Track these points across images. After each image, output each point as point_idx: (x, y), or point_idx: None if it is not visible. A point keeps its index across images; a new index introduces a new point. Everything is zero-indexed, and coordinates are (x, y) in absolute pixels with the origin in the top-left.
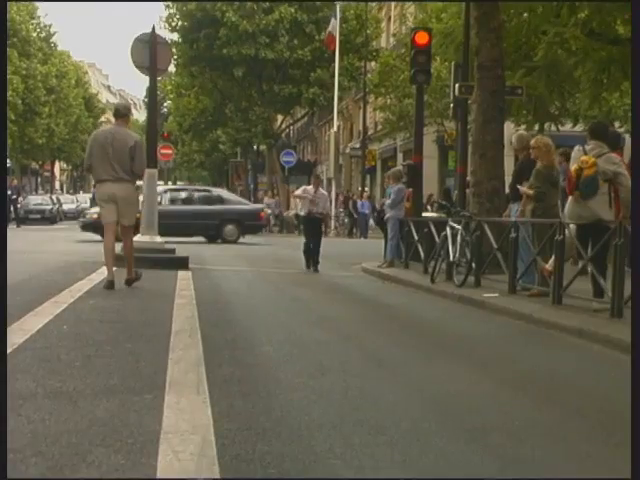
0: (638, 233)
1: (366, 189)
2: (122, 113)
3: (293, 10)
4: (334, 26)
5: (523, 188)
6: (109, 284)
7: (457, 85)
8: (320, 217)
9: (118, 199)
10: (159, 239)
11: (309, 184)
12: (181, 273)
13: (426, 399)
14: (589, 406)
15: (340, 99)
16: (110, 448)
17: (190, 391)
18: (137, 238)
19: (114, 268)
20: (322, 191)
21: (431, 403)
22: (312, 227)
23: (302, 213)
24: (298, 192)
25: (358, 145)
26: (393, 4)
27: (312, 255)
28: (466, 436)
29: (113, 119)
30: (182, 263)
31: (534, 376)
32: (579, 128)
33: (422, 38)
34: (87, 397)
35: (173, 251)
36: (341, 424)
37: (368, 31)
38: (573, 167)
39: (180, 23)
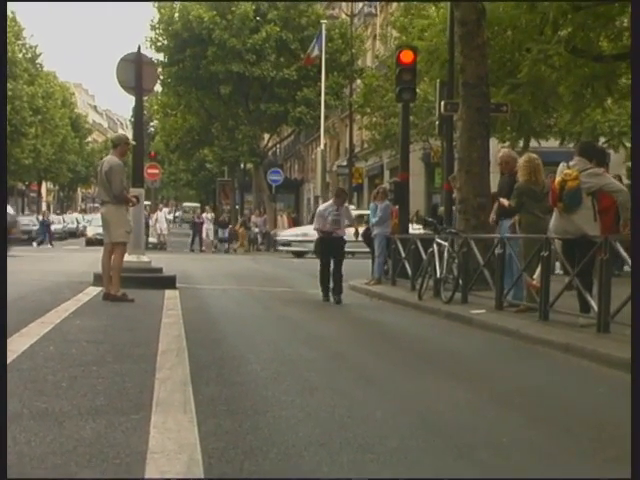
0: (638, 237)
1: (353, 207)
2: (115, 144)
3: (279, 29)
4: (316, 45)
5: (504, 201)
6: (104, 295)
7: (442, 102)
8: (342, 236)
9: (105, 220)
10: (146, 258)
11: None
12: (168, 292)
13: (414, 416)
14: (577, 422)
15: (326, 117)
16: (96, 469)
17: (177, 410)
18: (125, 258)
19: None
20: (346, 206)
21: (419, 420)
22: (333, 248)
23: (318, 234)
24: (317, 219)
25: (345, 163)
26: (378, 23)
27: (334, 281)
28: (454, 453)
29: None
30: (169, 282)
31: (522, 392)
32: (566, 144)
33: (407, 56)
34: (73, 418)
35: (160, 270)
36: (329, 442)
37: (353, 50)
38: (557, 179)
39: (166, 43)
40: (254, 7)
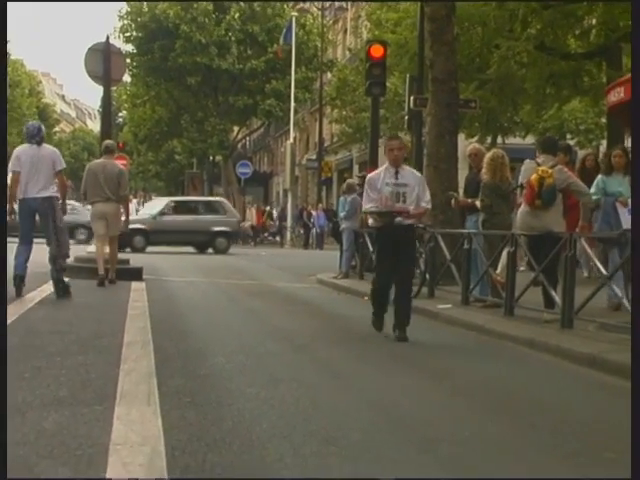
0: (638, 237)
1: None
2: (109, 149)
3: (238, 17)
4: (284, 35)
5: (469, 200)
6: (100, 281)
7: (412, 97)
8: (413, 224)
9: (107, 215)
10: None
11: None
12: (135, 284)
13: (378, 410)
14: (540, 416)
15: (296, 111)
16: (58, 460)
17: (141, 402)
18: (91, 249)
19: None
20: (409, 170)
21: (383, 414)
22: (400, 243)
23: (373, 220)
24: (367, 195)
25: (314, 156)
26: (349, 17)
27: (397, 300)
28: (417, 447)
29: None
30: (136, 274)
31: (486, 386)
32: (529, 140)
33: (377, 51)
34: (36, 409)
35: (127, 262)
36: (292, 435)
37: (317, 43)
38: (533, 177)
39: (135, 34)
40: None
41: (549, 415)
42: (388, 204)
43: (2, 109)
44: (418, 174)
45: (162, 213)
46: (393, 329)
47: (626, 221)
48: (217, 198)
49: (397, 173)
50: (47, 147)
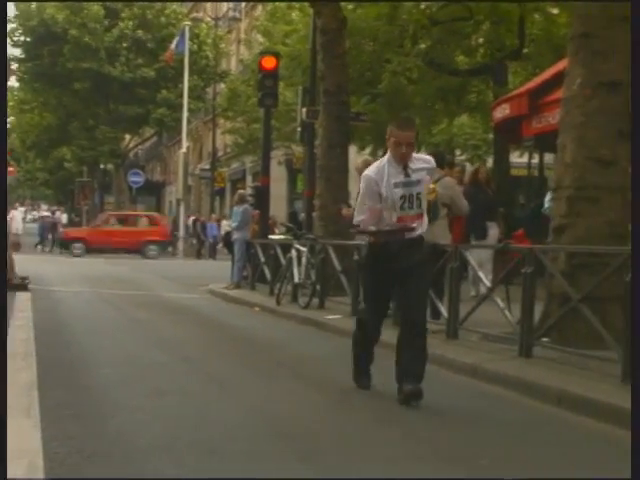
0: (639, 243)
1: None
2: None
3: (131, 25)
4: (178, 44)
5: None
6: None
7: (304, 109)
8: (421, 238)
9: None
10: None
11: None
12: (20, 294)
13: (263, 420)
14: (422, 425)
15: (189, 120)
16: None
17: (20, 415)
18: None
19: None
20: (418, 158)
21: (268, 424)
22: (400, 268)
23: (366, 236)
24: (361, 203)
25: (208, 166)
26: (242, 28)
27: (406, 347)
28: (299, 456)
29: None
30: (21, 284)
31: (369, 395)
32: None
33: (269, 62)
34: None
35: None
36: (175, 446)
37: (210, 54)
38: None
39: (23, 38)
40: (104, 6)
41: (431, 424)
42: (397, 218)
43: (2, 110)
44: (428, 158)
45: None
46: (403, 389)
47: None
48: None
49: (404, 170)
50: None
